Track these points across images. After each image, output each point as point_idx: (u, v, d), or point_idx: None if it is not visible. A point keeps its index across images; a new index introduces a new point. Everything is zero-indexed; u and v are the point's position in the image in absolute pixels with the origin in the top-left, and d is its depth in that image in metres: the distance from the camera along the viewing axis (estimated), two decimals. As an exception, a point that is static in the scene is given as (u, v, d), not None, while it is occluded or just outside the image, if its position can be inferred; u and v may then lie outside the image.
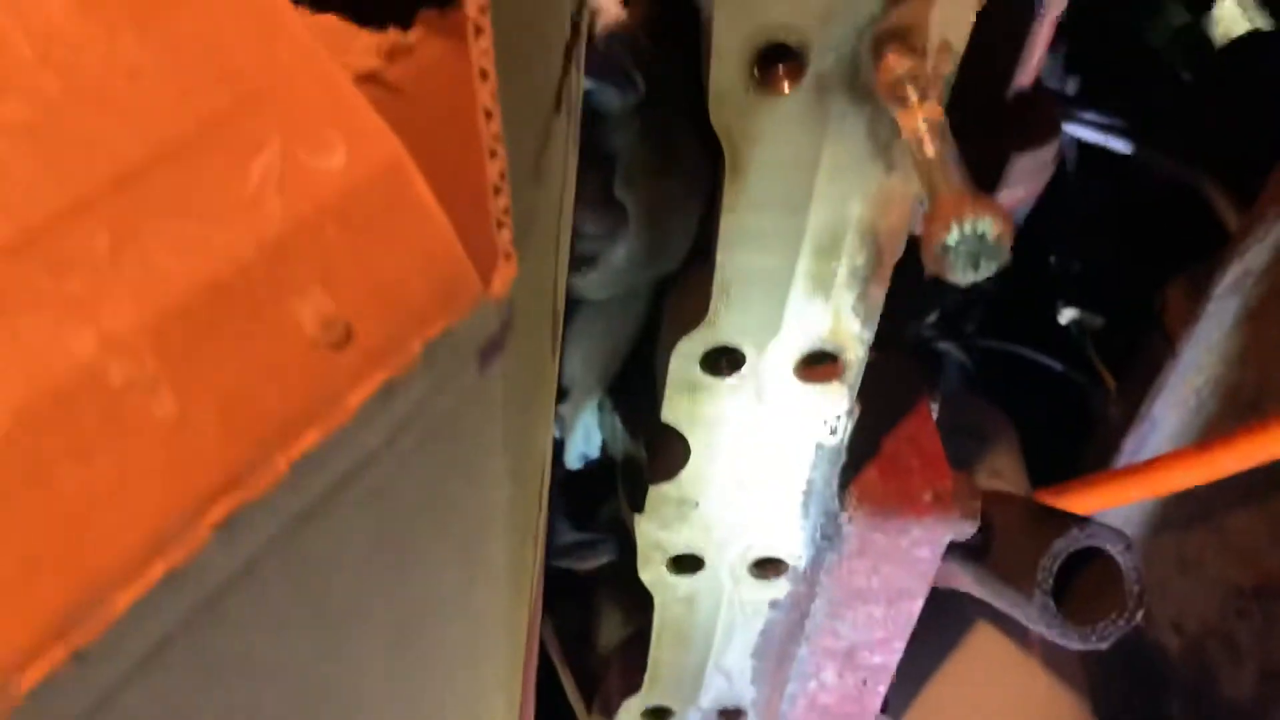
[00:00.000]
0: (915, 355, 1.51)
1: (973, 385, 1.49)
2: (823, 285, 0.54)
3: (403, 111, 0.35)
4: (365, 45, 0.38)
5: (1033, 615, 0.69)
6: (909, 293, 1.11)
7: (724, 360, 0.57)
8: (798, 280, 0.54)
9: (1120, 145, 1.25)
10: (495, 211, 0.36)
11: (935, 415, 0.73)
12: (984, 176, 0.85)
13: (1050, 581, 0.68)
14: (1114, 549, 0.69)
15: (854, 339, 0.56)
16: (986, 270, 0.38)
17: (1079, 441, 1.34)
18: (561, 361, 0.71)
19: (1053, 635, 0.69)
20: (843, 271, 0.53)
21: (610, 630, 0.88)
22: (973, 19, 0.45)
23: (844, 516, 0.65)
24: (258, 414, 0.30)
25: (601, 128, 0.65)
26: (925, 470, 0.67)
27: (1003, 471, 1.03)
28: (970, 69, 0.84)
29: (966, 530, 0.67)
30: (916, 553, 0.67)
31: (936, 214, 0.37)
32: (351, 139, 0.33)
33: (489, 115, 0.34)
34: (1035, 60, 0.85)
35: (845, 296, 0.55)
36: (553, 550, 0.88)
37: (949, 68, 0.45)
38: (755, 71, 0.47)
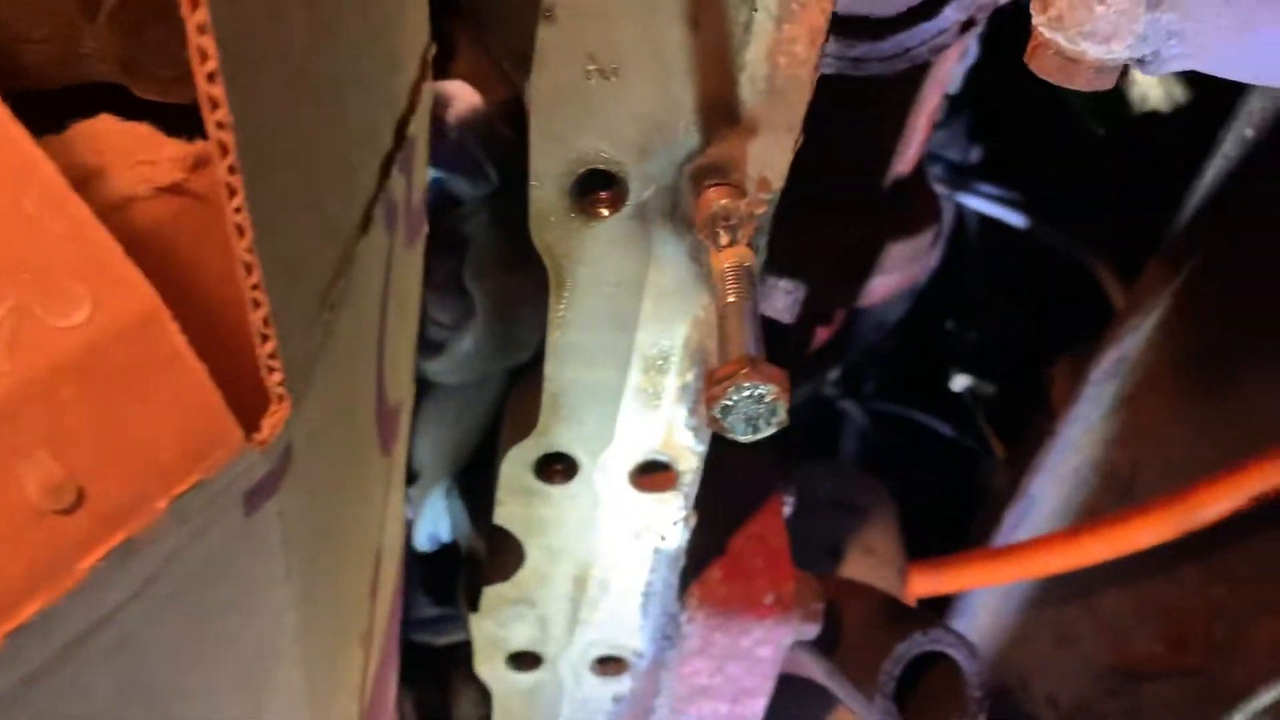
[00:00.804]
0: (815, 414, 1.52)
1: (869, 447, 1.51)
2: (654, 399, 0.54)
3: (206, 221, 0.34)
4: (173, 154, 0.37)
5: (875, 718, 0.69)
6: (814, 351, 1.11)
7: (558, 467, 0.57)
8: (628, 394, 0.53)
9: (1015, 219, 1.27)
10: (262, 357, 0.35)
11: (789, 512, 0.73)
12: (857, 264, 0.86)
13: (892, 685, 0.68)
14: (957, 655, 0.69)
15: (688, 451, 0.56)
16: (765, 431, 0.38)
17: (967, 507, 1.35)
18: (412, 444, 0.70)
19: (894, 738, 0.69)
20: (673, 387, 0.53)
21: (469, 706, 0.87)
22: (790, 158, 0.45)
23: (684, 617, 0.65)
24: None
25: (453, 215, 0.65)
26: (769, 571, 0.66)
27: (876, 549, 1.03)
28: (847, 155, 0.85)
29: (808, 632, 0.67)
30: (758, 652, 0.67)
31: (719, 374, 0.37)
32: (100, 292, 0.32)
33: (249, 269, 0.33)
34: (914, 149, 0.86)
35: (677, 411, 0.54)
36: (410, 624, 0.86)
37: (764, 207, 0.45)
38: (575, 196, 0.46)
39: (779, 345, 0.78)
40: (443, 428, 0.69)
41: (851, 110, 0.81)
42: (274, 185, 0.34)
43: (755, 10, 0.41)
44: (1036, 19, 0.40)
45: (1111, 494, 1.10)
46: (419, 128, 0.52)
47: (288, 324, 0.36)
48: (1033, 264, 1.35)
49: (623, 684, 0.68)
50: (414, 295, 0.59)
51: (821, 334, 1.17)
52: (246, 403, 0.36)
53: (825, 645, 0.72)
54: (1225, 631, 0.96)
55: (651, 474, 0.57)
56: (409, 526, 0.74)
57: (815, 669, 0.74)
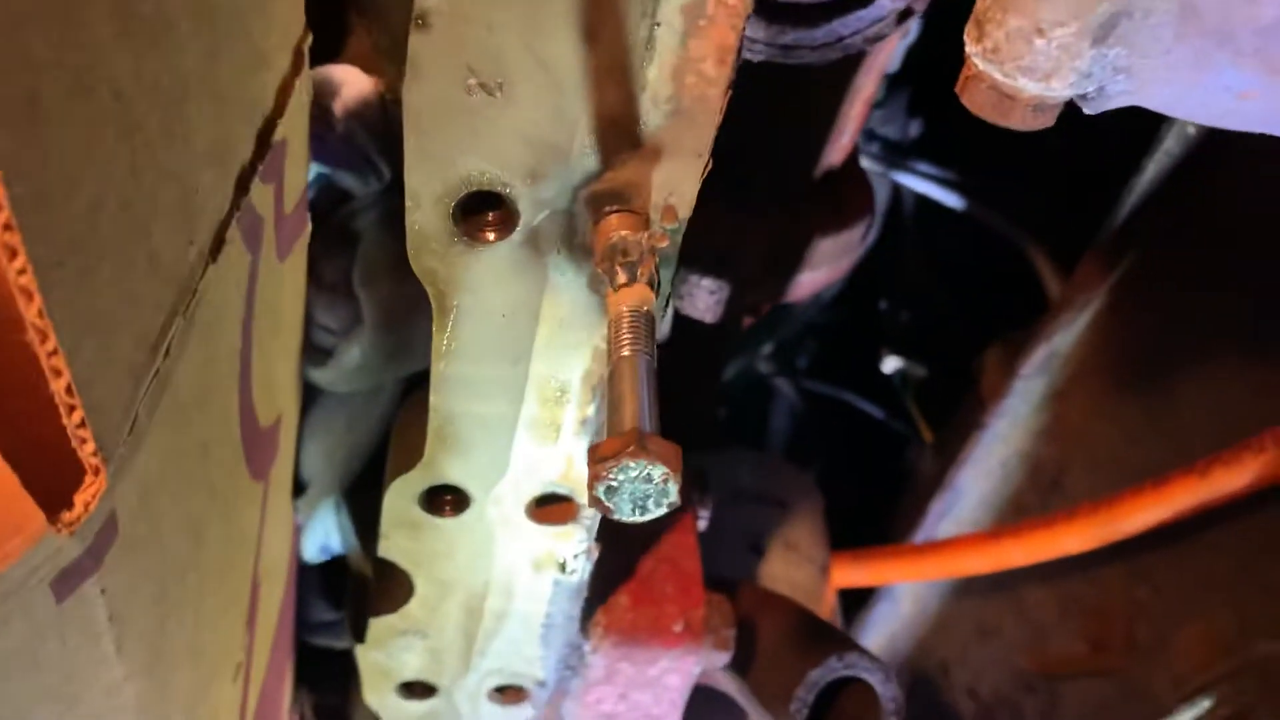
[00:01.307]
0: (747, 389, 1.49)
1: (799, 425, 1.48)
2: (552, 432, 0.49)
3: None
4: None
5: (789, 743, 0.66)
6: (747, 327, 1.07)
7: (447, 498, 0.52)
8: (524, 426, 0.49)
9: (952, 200, 1.23)
10: (69, 428, 0.30)
11: (703, 526, 0.69)
12: (785, 252, 0.81)
13: (804, 713, 0.65)
14: (872, 679, 0.66)
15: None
16: (653, 513, 0.33)
17: (893, 490, 1.33)
18: (300, 454, 0.65)
19: (807, 764, 0.66)
20: (573, 420, 0.49)
21: (368, 711, 0.83)
22: (698, 184, 0.41)
23: (589, 646, 0.61)
24: None
25: (342, 211, 0.59)
26: (680, 596, 0.63)
27: (799, 545, 1.00)
28: (775, 145, 0.80)
29: (719, 660, 0.64)
30: (666, 680, 0.63)
31: (603, 451, 0.33)
32: None
33: (42, 335, 0.28)
34: (847, 138, 0.82)
35: (578, 444, 0.50)
36: (308, 628, 0.82)
37: (667, 240, 0.41)
38: (458, 219, 0.41)
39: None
40: (332, 436, 0.64)
41: (781, 99, 0.76)
42: (71, 236, 0.28)
43: (658, 25, 0.37)
44: (970, 49, 0.36)
45: (1037, 490, 1.08)
46: (291, 128, 0.47)
47: (102, 387, 0.31)
48: (969, 247, 1.32)
49: (523, 712, 0.64)
50: (290, 307, 0.54)
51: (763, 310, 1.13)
52: (63, 476, 0.32)
53: (740, 664, 0.69)
54: (1147, 633, 0.95)
55: (551, 505, 0.53)
56: (298, 534, 0.69)
57: (729, 686, 0.70)
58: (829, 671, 0.65)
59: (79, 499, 0.31)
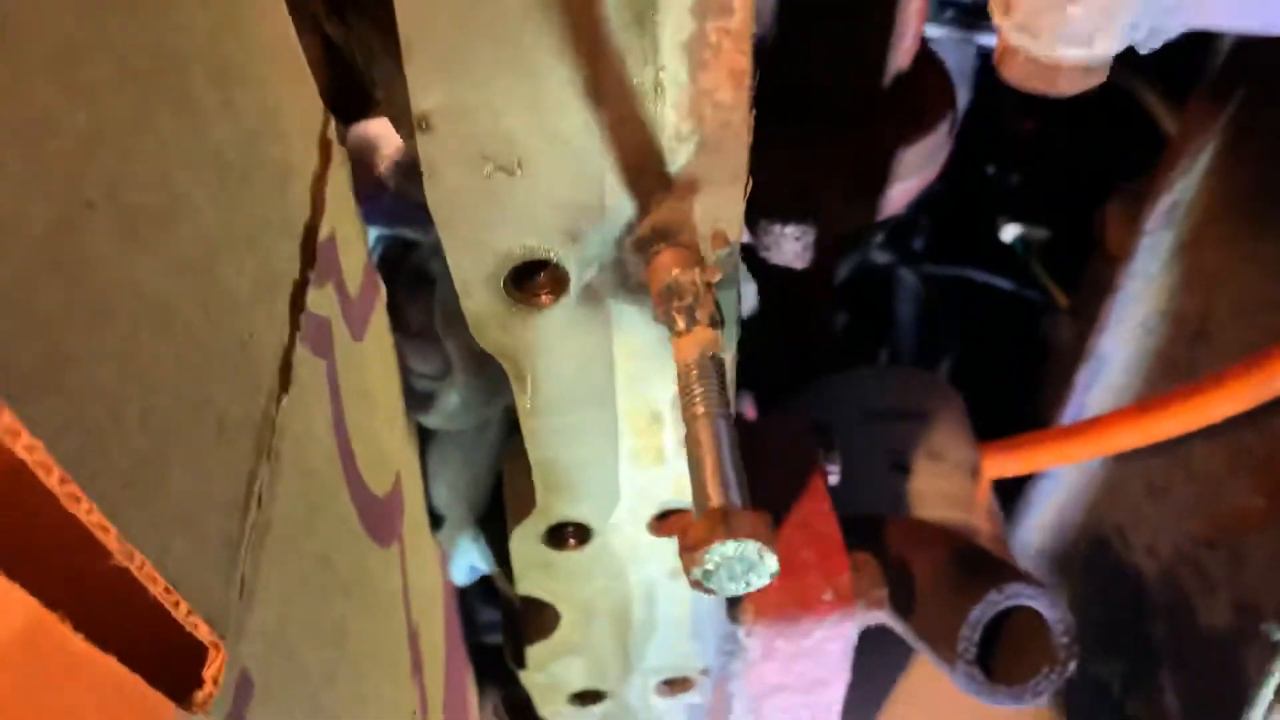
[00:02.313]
0: (867, 283, 1.45)
1: (926, 313, 1.44)
2: (654, 456, 0.49)
3: (33, 551, 0.30)
4: None
5: (959, 682, 0.66)
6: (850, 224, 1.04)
7: (569, 531, 0.53)
8: (625, 458, 0.49)
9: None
10: (179, 618, 0.31)
11: (834, 479, 0.68)
12: (866, 173, 0.78)
13: (973, 650, 0.64)
14: (1036, 605, 0.65)
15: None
16: (758, 583, 0.33)
17: (1036, 363, 1.29)
18: (429, 491, 0.67)
19: (983, 700, 0.66)
20: (672, 441, 0.48)
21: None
22: (742, 205, 0.39)
23: (742, 631, 0.61)
24: None
25: (414, 255, 0.59)
26: (822, 564, 0.62)
27: (943, 453, 0.98)
28: (832, 64, 0.77)
29: (875, 619, 0.64)
30: (825, 648, 0.64)
31: (690, 540, 0.32)
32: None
33: (128, 555, 0.29)
34: (909, 40, 0.77)
35: (681, 461, 0.49)
36: (478, 630, 0.85)
37: (720, 271, 0.39)
38: (511, 291, 0.41)
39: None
40: (452, 472, 0.65)
41: (831, 16, 0.73)
42: (129, 456, 0.29)
43: (662, 70, 0.35)
44: (998, 20, 0.33)
45: (1183, 342, 1.03)
46: (337, 217, 0.47)
47: (201, 572, 0.32)
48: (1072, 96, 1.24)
49: (693, 697, 0.65)
50: (381, 375, 0.55)
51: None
52: (184, 654, 0.33)
53: (901, 608, 0.68)
54: (1324, 478, 0.90)
55: (671, 517, 0.53)
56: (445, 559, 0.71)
57: (896, 627, 0.70)
58: (990, 607, 0.64)
59: (207, 675, 0.33)
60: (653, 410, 0.47)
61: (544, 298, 0.41)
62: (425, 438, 0.66)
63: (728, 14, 0.34)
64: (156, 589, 0.30)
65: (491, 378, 0.59)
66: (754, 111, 0.37)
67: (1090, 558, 1.25)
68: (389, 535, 0.55)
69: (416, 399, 0.61)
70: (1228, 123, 0.88)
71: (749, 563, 0.32)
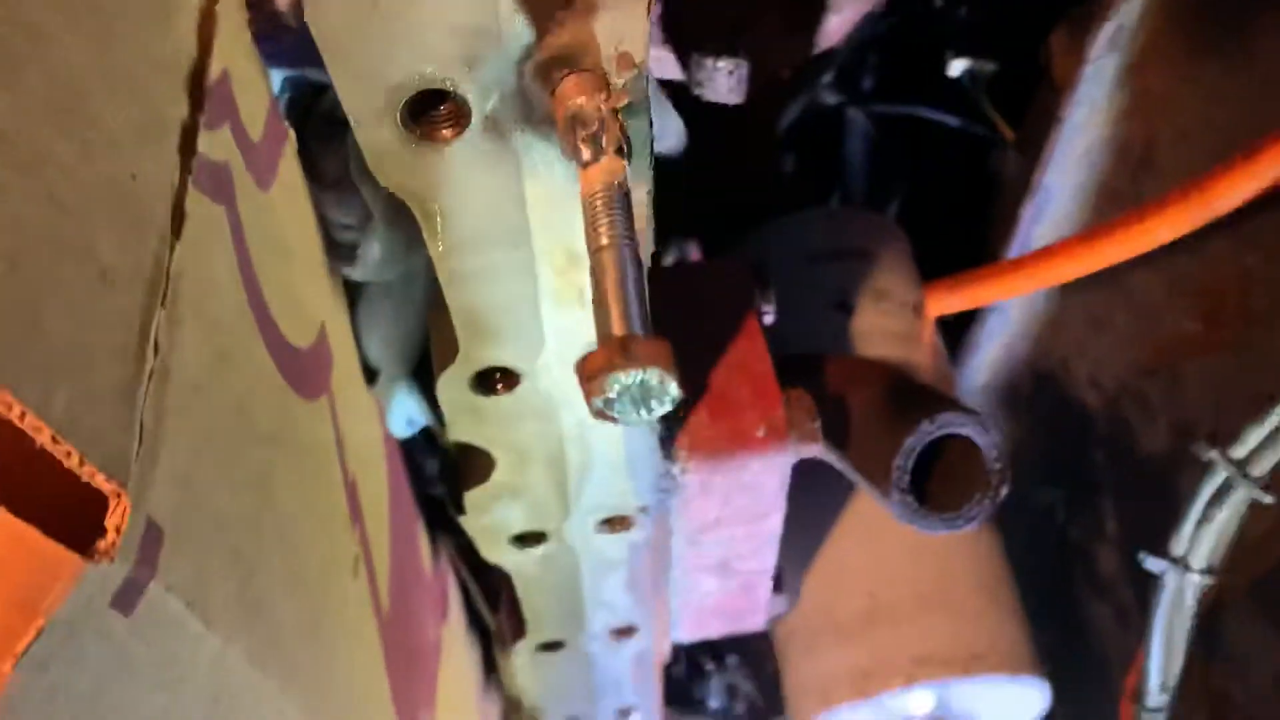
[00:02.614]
0: (816, 123, 1.43)
1: (875, 151, 1.42)
2: (575, 297, 0.48)
3: None
4: None
5: (895, 510, 0.67)
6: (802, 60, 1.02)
7: (496, 377, 0.52)
8: (546, 300, 0.48)
9: None
10: (73, 469, 0.31)
11: (769, 319, 0.68)
12: (800, 11, 0.76)
13: (907, 479, 0.65)
14: (968, 431, 0.66)
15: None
16: (660, 410, 0.33)
17: (985, 200, 1.28)
18: (361, 345, 0.66)
19: (918, 527, 0.67)
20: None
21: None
22: (647, 23, 0.37)
23: (677, 469, 0.62)
24: None
25: (325, 100, 0.57)
26: (757, 401, 0.63)
27: (888, 290, 0.98)
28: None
29: (809, 451, 0.64)
30: (762, 481, 0.64)
31: (589, 368, 0.32)
32: None
33: (6, 404, 0.28)
34: None
35: (604, 300, 0.49)
36: (425, 482, 0.85)
37: (627, 95, 0.38)
38: (408, 124, 0.39)
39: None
40: (384, 325, 0.64)
41: None
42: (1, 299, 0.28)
43: (548, -125, 0.33)
44: None
45: (1128, 172, 1.02)
46: (229, 54, 0.44)
47: (91, 419, 0.32)
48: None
49: (634, 535, 0.66)
50: (296, 224, 0.53)
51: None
52: (92, 509, 0.32)
53: (837, 441, 0.69)
54: (1262, 299, 0.91)
55: (598, 359, 0.52)
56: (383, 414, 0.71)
57: (832, 460, 0.71)
58: (923, 436, 0.65)
59: (109, 524, 0.32)
60: (570, 250, 0.46)
61: (444, 131, 0.40)
62: (354, 292, 0.65)
63: None
64: (42, 438, 0.30)
65: (413, 226, 0.57)
66: (652, -78, 0.35)
67: (1036, 392, 1.27)
68: (316, 388, 0.54)
69: (339, 251, 0.60)
70: (1173, -60, 0.86)
71: (650, 389, 0.32)
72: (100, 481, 0.32)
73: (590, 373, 0.31)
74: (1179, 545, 0.83)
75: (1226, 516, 0.81)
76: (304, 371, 0.52)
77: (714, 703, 1.16)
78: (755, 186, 1.10)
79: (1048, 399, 1.26)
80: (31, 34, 0.31)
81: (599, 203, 0.35)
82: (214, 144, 0.42)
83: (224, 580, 0.40)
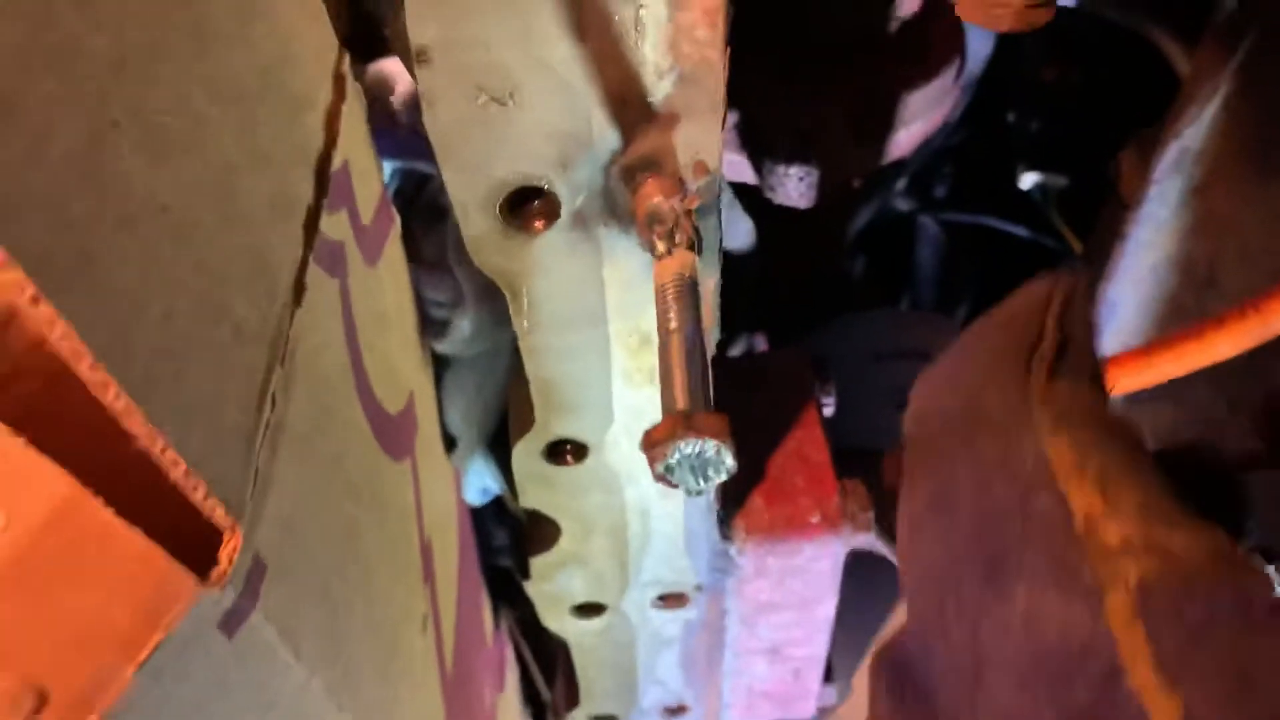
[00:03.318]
0: (889, 230, 1.47)
1: (945, 258, 1.46)
2: (645, 377, 0.52)
3: (64, 435, 0.34)
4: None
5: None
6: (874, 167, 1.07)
7: (567, 449, 0.56)
8: (618, 378, 0.52)
9: None
10: (197, 502, 0.35)
11: (829, 410, 0.71)
12: (869, 116, 0.80)
13: (956, 572, 0.67)
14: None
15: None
16: (717, 479, 0.36)
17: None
18: (443, 414, 0.70)
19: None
20: (661, 363, 0.51)
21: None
22: (719, 136, 0.42)
23: (734, 549, 0.65)
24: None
25: (429, 188, 0.63)
26: (812, 488, 0.66)
27: (948, 393, 1.01)
28: (840, 6, 0.78)
29: (862, 541, 0.67)
30: (815, 567, 0.67)
31: (653, 437, 0.35)
32: (9, 498, 0.32)
33: (151, 438, 0.32)
34: (917, -15, 0.79)
35: (671, 382, 0.53)
36: (492, 553, 0.89)
37: (699, 198, 0.42)
38: (506, 216, 0.44)
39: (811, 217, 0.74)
40: (466, 397, 0.69)
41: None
42: (152, 349, 0.33)
43: (642, 6, 0.37)
44: (950, -39, 0.35)
45: (1192, 289, 1.04)
46: (350, 147, 0.50)
47: (218, 459, 0.36)
48: (1090, 39, 1.25)
49: (689, 613, 0.69)
50: (396, 299, 0.58)
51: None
52: (202, 536, 0.37)
53: (890, 533, 0.72)
54: (1324, 420, 0.91)
55: (664, 438, 0.56)
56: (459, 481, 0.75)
57: (885, 551, 0.73)
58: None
59: (223, 555, 0.37)
60: (642, 333, 0.50)
61: (537, 223, 0.44)
62: (441, 365, 0.69)
63: (701, -44, 0.36)
64: (177, 472, 0.34)
65: (500, 306, 0.62)
66: (730, 48, 0.40)
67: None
68: (401, 450, 0.59)
69: (432, 326, 0.65)
70: (1237, 69, 0.89)
71: (708, 460, 0.35)
72: (220, 516, 0.36)
73: (654, 441, 0.35)
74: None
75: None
76: (393, 434, 0.57)
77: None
78: (824, 286, 1.14)
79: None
80: (194, 120, 0.36)
81: (670, 291, 0.40)
82: (333, 225, 0.47)
83: (313, 616, 0.44)
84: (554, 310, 0.48)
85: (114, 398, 0.31)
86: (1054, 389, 0.37)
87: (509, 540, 0.86)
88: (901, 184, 1.44)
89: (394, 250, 0.58)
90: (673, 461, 0.35)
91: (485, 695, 0.82)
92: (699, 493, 0.36)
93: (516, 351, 0.65)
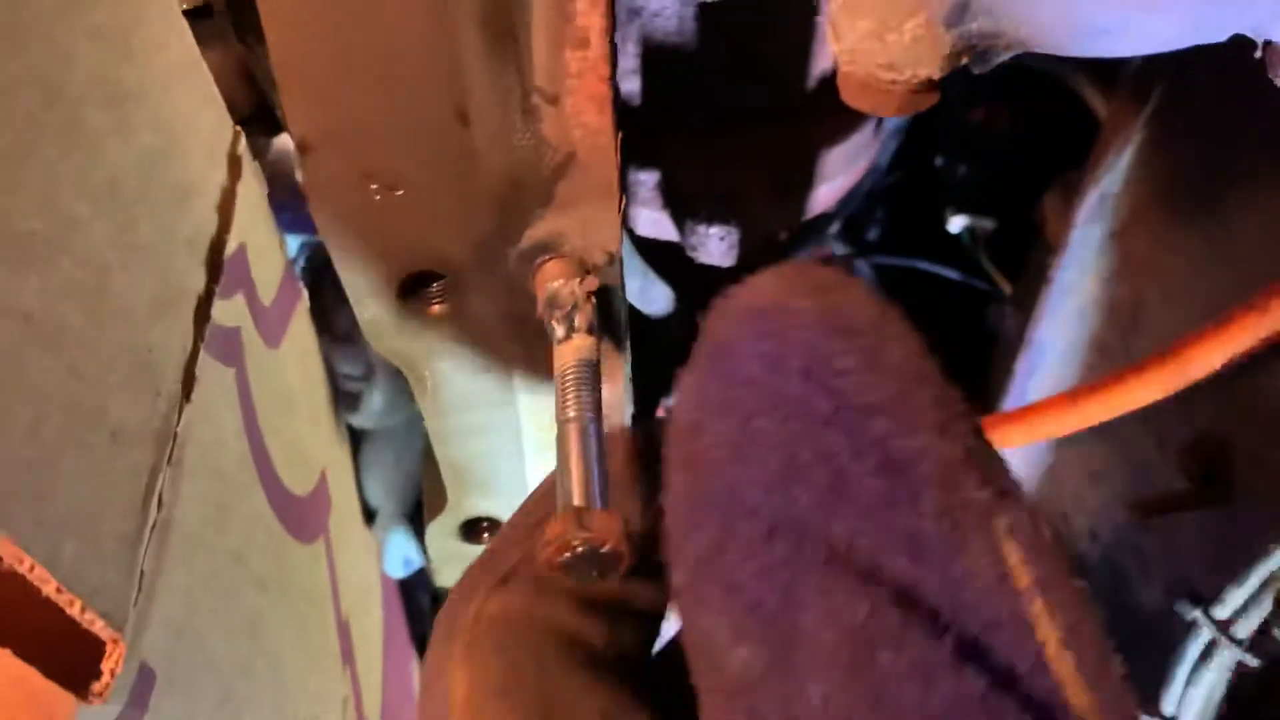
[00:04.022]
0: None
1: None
2: (557, 453, 0.51)
3: None
4: None
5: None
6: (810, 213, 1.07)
7: (483, 527, 0.55)
8: (531, 454, 0.51)
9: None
10: (74, 616, 0.34)
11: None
12: (790, 174, 0.80)
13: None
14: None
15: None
16: (613, 574, 0.35)
17: (984, 353, 1.31)
18: (361, 487, 0.69)
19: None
20: (574, 440, 0.51)
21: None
22: (617, 218, 0.41)
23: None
24: None
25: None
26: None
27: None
28: (751, 69, 0.79)
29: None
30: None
31: (548, 536, 0.34)
32: None
33: (18, 558, 0.31)
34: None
35: (585, 457, 0.52)
36: (419, 620, 0.87)
37: (596, 283, 0.41)
38: (402, 300, 0.43)
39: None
40: (384, 469, 0.67)
41: (748, 20, 0.75)
42: (17, 464, 0.31)
43: (529, 95, 0.37)
44: (832, 45, 0.35)
45: (1117, 329, 1.05)
46: (247, 228, 0.49)
47: (95, 571, 0.35)
48: (1016, 83, 1.27)
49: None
50: (302, 378, 0.57)
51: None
52: (89, 653, 0.35)
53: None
54: (1244, 461, 0.93)
55: (581, 511, 0.55)
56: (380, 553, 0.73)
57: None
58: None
59: (105, 667, 0.35)
60: (552, 411, 0.49)
61: (435, 307, 0.43)
62: (359, 437, 0.68)
63: (585, 46, 0.36)
64: (49, 589, 0.32)
65: (413, 378, 0.61)
66: (620, 134, 0.39)
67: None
68: (313, 532, 0.57)
69: (345, 400, 0.63)
70: (1150, 117, 0.91)
71: (604, 558, 0.34)
72: (99, 629, 0.35)
73: (547, 539, 0.34)
74: (1169, 705, 0.83)
75: (1214, 678, 0.81)
76: (301, 517, 0.55)
77: None
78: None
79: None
80: (63, 223, 0.35)
81: (569, 377, 0.39)
82: (227, 312, 0.46)
83: (211, 712, 0.43)
84: (458, 392, 0.47)
85: (-29, 521, 0.29)
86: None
87: (432, 609, 0.84)
88: (834, 229, 1.45)
89: (300, 326, 0.57)
90: (567, 560, 0.34)
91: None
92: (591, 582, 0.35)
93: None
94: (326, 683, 0.58)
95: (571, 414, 0.38)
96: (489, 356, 0.46)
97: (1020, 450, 1.20)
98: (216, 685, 0.44)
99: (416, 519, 0.71)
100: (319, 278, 0.63)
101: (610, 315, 0.43)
